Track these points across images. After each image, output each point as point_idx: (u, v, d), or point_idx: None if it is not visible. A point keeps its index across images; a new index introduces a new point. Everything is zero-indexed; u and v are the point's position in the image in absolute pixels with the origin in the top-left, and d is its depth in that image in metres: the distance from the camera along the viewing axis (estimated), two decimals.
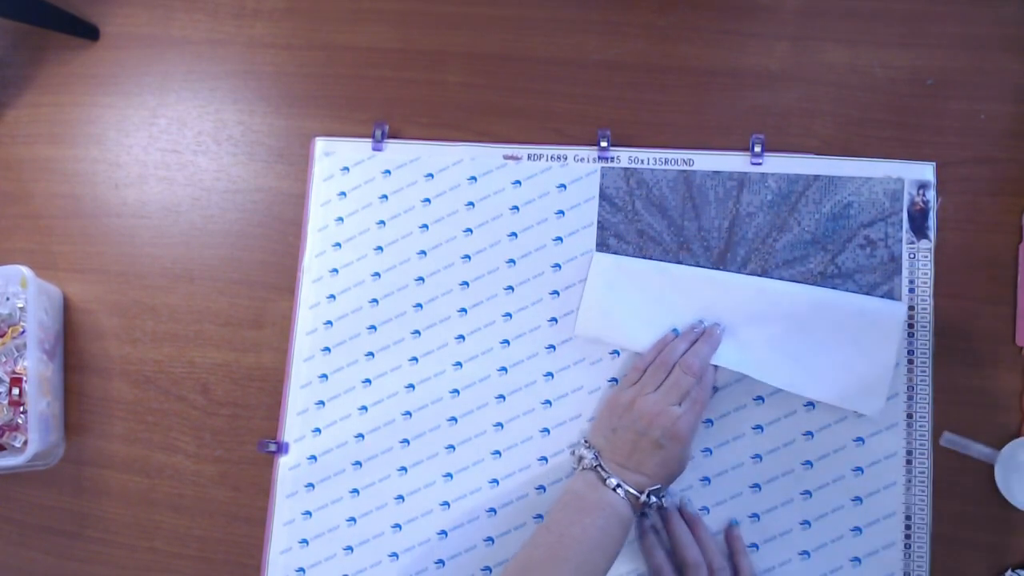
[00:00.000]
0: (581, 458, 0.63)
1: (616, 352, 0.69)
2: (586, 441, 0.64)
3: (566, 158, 0.72)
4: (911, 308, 0.67)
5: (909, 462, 0.65)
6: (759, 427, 0.67)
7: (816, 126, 0.70)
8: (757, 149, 0.69)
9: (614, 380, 0.68)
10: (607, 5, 0.74)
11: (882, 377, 0.64)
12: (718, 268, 0.69)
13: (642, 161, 0.71)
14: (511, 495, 0.68)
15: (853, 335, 0.65)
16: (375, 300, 0.72)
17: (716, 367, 0.65)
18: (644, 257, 0.69)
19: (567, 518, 0.60)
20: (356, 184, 0.73)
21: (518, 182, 0.72)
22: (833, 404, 0.65)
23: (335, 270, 0.72)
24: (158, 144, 0.77)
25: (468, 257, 0.71)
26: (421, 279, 0.72)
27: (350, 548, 0.69)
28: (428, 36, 0.75)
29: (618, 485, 0.60)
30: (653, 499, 0.61)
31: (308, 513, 0.70)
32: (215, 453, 0.72)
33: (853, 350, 0.64)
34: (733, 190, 0.70)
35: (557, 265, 0.70)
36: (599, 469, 0.61)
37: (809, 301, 0.66)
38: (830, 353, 0.65)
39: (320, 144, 0.74)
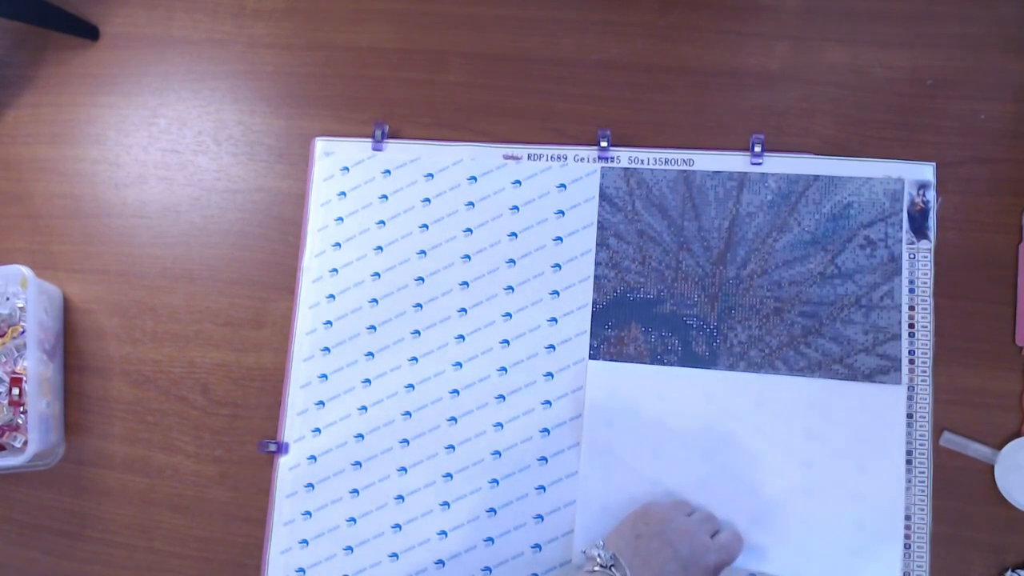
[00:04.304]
0: (593, 559, 0.58)
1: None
2: (603, 542, 0.60)
3: (566, 158, 0.72)
4: (911, 308, 0.67)
5: (909, 462, 0.65)
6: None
7: (816, 126, 0.70)
8: (757, 149, 0.69)
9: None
10: (607, 5, 0.74)
11: (893, 530, 0.64)
12: (717, 274, 0.69)
13: (642, 161, 0.71)
14: (511, 495, 0.68)
15: (858, 459, 0.64)
16: (375, 300, 0.72)
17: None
18: (643, 257, 0.69)
19: None
20: (356, 184, 0.73)
21: (518, 182, 0.72)
22: None
23: (335, 270, 0.72)
24: (158, 144, 0.77)
25: (468, 257, 0.71)
26: (421, 279, 0.72)
27: (350, 548, 0.69)
28: (428, 36, 0.75)
29: None
30: None
31: (308, 513, 0.70)
32: (215, 453, 0.72)
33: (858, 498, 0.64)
34: (733, 190, 0.70)
35: (557, 265, 0.70)
36: (612, 570, 0.57)
37: (808, 397, 0.66)
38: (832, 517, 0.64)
39: (320, 144, 0.74)
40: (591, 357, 0.69)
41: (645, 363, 0.68)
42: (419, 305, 0.71)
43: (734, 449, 0.66)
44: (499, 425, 0.69)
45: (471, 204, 0.72)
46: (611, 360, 0.68)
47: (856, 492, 0.64)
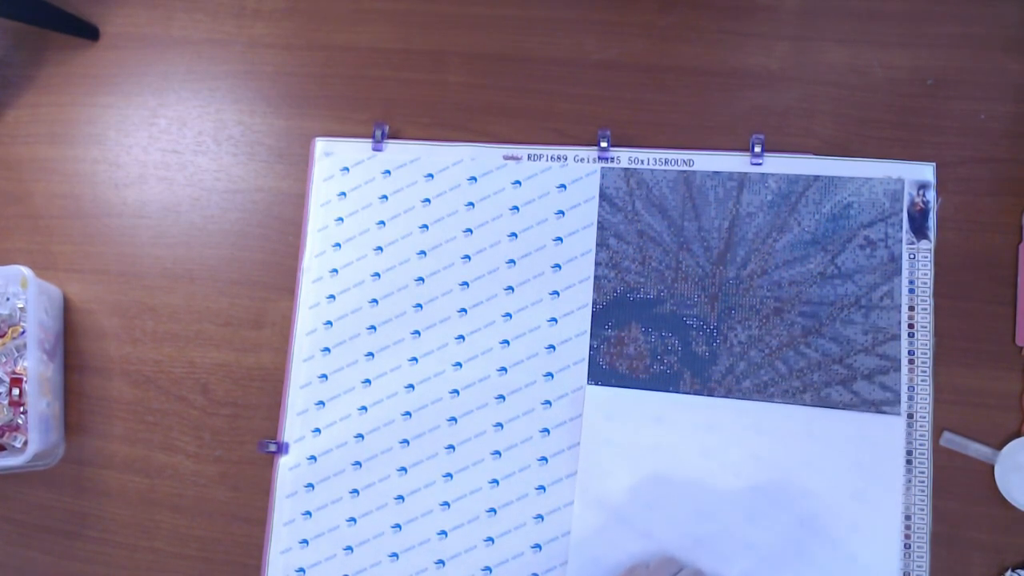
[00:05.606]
0: None
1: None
2: None
3: (566, 158, 0.72)
4: (911, 309, 0.67)
5: (909, 462, 0.65)
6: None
7: (816, 126, 0.70)
8: (757, 149, 0.69)
9: None
10: (607, 5, 0.74)
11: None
12: (717, 275, 0.69)
13: (642, 161, 0.71)
14: (511, 495, 0.68)
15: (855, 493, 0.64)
16: (375, 300, 0.72)
17: None
18: (643, 257, 0.69)
19: None
20: (356, 184, 0.73)
21: (518, 182, 0.72)
22: None
23: (335, 270, 0.72)
24: (158, 144, 0.77)
25: (468, 257, 0.71)
26: (421, 279, 0.72)
27: (350, 548, 0.69)
28: (428, 36, 0.75)
29: None
30: None
31: (308, 513, 0.70)
32: (215, 453, 0.72)
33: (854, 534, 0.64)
34: (733, 190, 0.70)
35: (557, 265, 0.70)
36: None
37: (805, 423, 0.66)
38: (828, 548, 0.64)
39: (320, 144, 0.74)
40: (591, 360, 0.69)
41: (645, 361, 0.68)
42: (419, 305, 0.71)
43: (730, 496, 0.65)
44: (499, 425, 0.69)
45: (471, 204, 0.72)
46: (610, 385, 0.68)
47: (851, 553, 0.64)
